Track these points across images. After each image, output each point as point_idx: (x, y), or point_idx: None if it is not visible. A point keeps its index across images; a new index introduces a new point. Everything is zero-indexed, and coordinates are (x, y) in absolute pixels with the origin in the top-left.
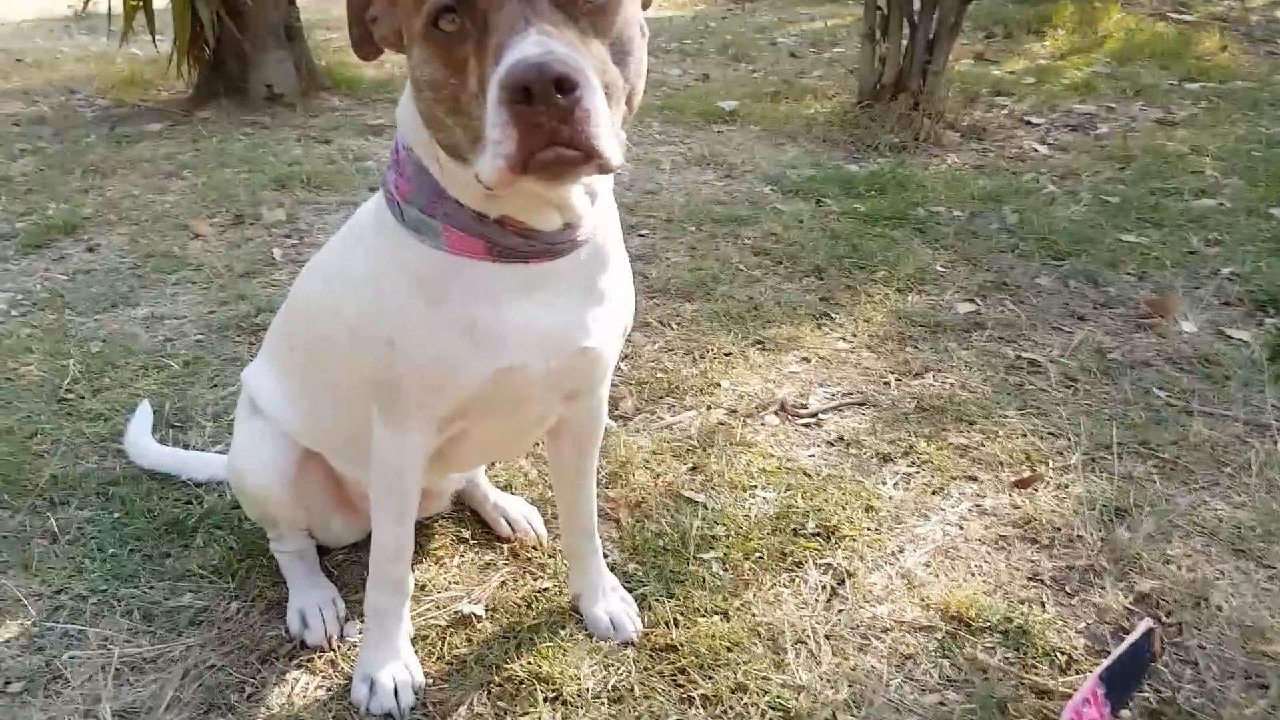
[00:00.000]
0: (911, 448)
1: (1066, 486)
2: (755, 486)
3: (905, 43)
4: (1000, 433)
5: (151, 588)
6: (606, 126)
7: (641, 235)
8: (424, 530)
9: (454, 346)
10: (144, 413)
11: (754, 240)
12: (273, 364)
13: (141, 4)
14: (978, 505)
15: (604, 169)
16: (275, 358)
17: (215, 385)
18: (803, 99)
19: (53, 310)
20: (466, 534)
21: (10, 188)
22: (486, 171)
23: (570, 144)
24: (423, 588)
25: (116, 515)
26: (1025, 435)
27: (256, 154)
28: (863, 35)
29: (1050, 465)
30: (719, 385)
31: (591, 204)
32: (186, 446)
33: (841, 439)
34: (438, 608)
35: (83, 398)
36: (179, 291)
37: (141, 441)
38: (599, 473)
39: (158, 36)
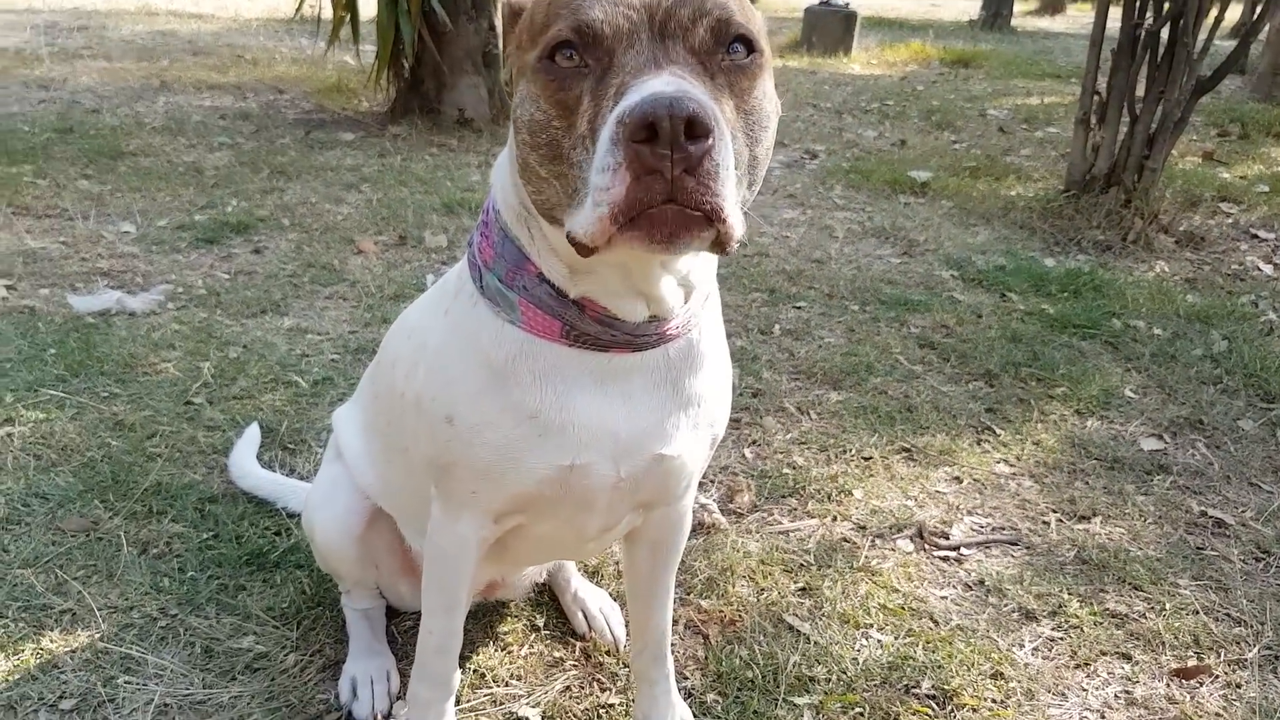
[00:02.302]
0: (1061, 607)
1: (1238, 687)
2: (870, 625)
3: (1123, 133)
4: (1168, 605)
5: (219, 622)
6: (733, 190)
7: (798, 308)
8: (496, 610)
9: (514, 434)
10: (252, 434)
11: (922, 330)
12: (358, 411)
13: (348, 15)
14: (1127, 692)
15: (723, 242)
16: (361, 405)
17: (334, 410)
18: (1005, 178)
19: (205, 309)
20: (540, 622)
21: (200, 179)
22: (582, 223)
23: (690, 202)
24: (482, 675)
25: (205, 536)
26: (1198, 613)
27: (435, 176)
28: (1077, 120)
29: (1222, 656)
30: (851, 494)
31: (685, 298)
32: (292, 471)
33: (982, 583)
34: (493, 703)
35: (209, 404)
36: (328, 306)
37: (245, 463)
38: (694, 575)
39: (362, 47)
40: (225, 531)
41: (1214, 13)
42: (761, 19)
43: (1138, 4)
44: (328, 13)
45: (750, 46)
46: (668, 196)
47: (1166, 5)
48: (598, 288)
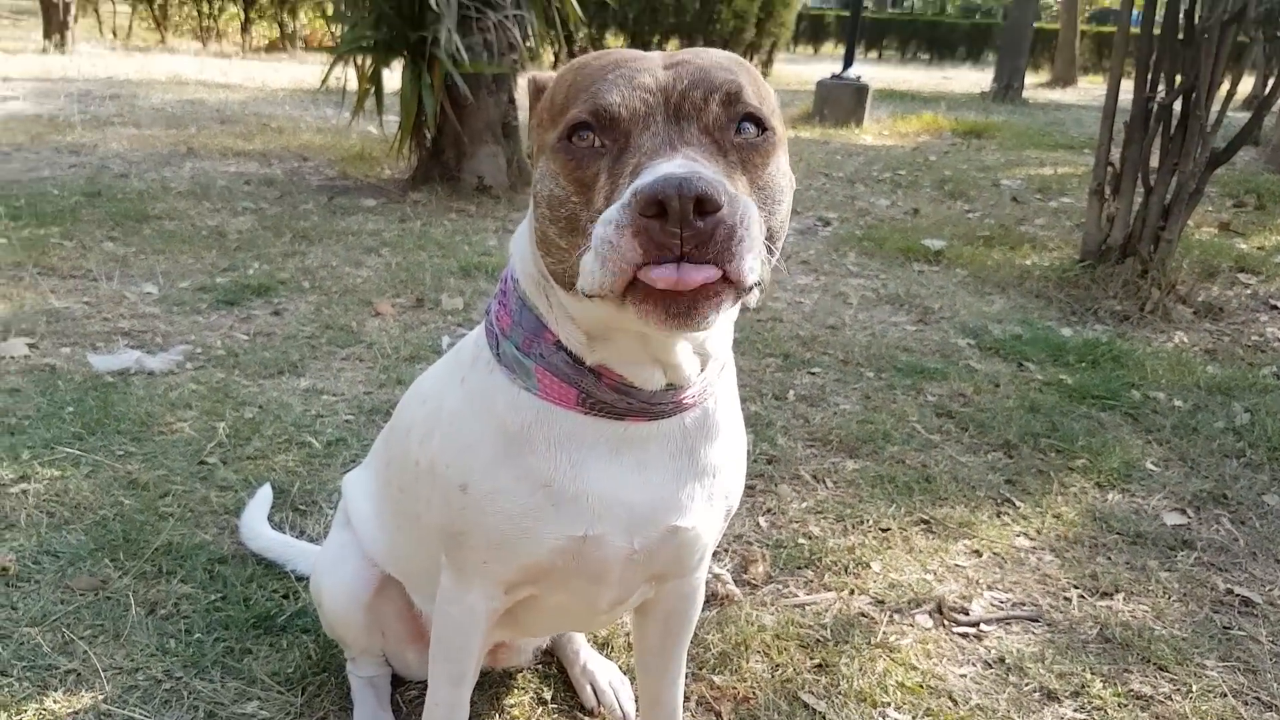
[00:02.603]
0: (1084, 687)
1: None
2: (888, 704)
3: (1138, 203)
4: (1195, 687)
5: (224, 686)
6: (751, 247)
7: (812, 374)
8: (503, 682)
9: (528, 503)
10: (264, 495)
11: (939, 399)
12: (369, 476)
13: (373, 87)
14: None
15: (738, 286)
16: (373, 471)
17: (347, 472)
18: (1020, 247)
19: (223, 369)
20: (548, 695)
21: (224, 243)
22: (590, 276)
23: (700, 257)
24: None
25: (214, 598)
26: (1225, 695)
27: (454, 240)
28: (1091, 190)
29: None
30: (869, 566)
31: (701, 367)
32: (302, 533)
33: (1002, 660)
34: None
35: (223, 464)
36: (345, 367)
37: (255, 524)
38: (707, 649)
39: (385, 118)
40: (233, 593)
41: (1225, 85)
42: (774, 98)
43: (1149, 77)
44: (353, 84)
45: (761, 125)
46: (677, 255)
47: (1179, 78)
48: (615, 355)
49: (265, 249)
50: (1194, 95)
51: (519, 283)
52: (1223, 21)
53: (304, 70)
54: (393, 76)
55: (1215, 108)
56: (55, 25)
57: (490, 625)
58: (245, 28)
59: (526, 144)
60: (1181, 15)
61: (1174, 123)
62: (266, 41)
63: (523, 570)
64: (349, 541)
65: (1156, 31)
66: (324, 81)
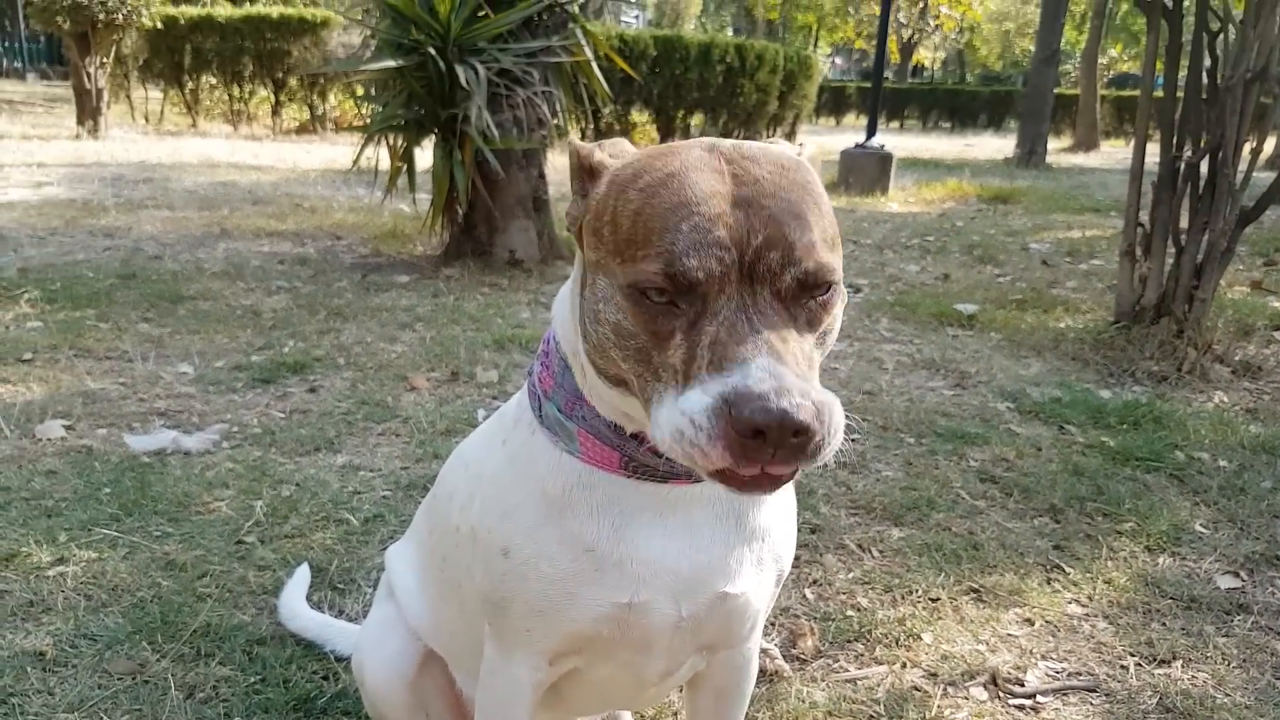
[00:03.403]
0: None
1: None
2: None
3: (1169, 264)
4: None
5: None
6: (835, 442)
7: (852, 440)
8: None
9: (571, 568)
10: (302, 574)
11: (981, 464)
12: (412, 547)
13: (405, 165)
14: None
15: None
16: (415, 542)
17: (385, 548)
18: (1053, 310)
19: (259, 448)
20: None
21: (258, 322)
22: (665, 445)
23: (789, 461)
24: None
25: (253, 680)
26: None
27: (487, 314)
28: (1122, 252)
29: None
30: (920, 638)
31: None
32: (341, 613)
33: None
34: None
35: (260, 543)
36: (381, 443)
37: (294, 604)
38: None
39: (418, 195)
40: (273, 675)
41: (1250, 144)
42: (836, 229)
43: (1175, 137)
44: (384, 163)
45: (831, 284)
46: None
47: (1204, 138)
48: None
49: (300, 327)
50: (1220, 154)
51: (560, 345)
52: (1245, 80)
53: (335, 151)
54: (424, 154)
55: (1242, 166)
56: (88, 112)
57: (536, 699)
58: (275, 110)
59: (559, 217)
60: (1205, 75)
61: (1201, 182)
62: (297, 124)
63: (567, 639)
64: (392, 615)
65: (1180, 93)
66: (355, 161)
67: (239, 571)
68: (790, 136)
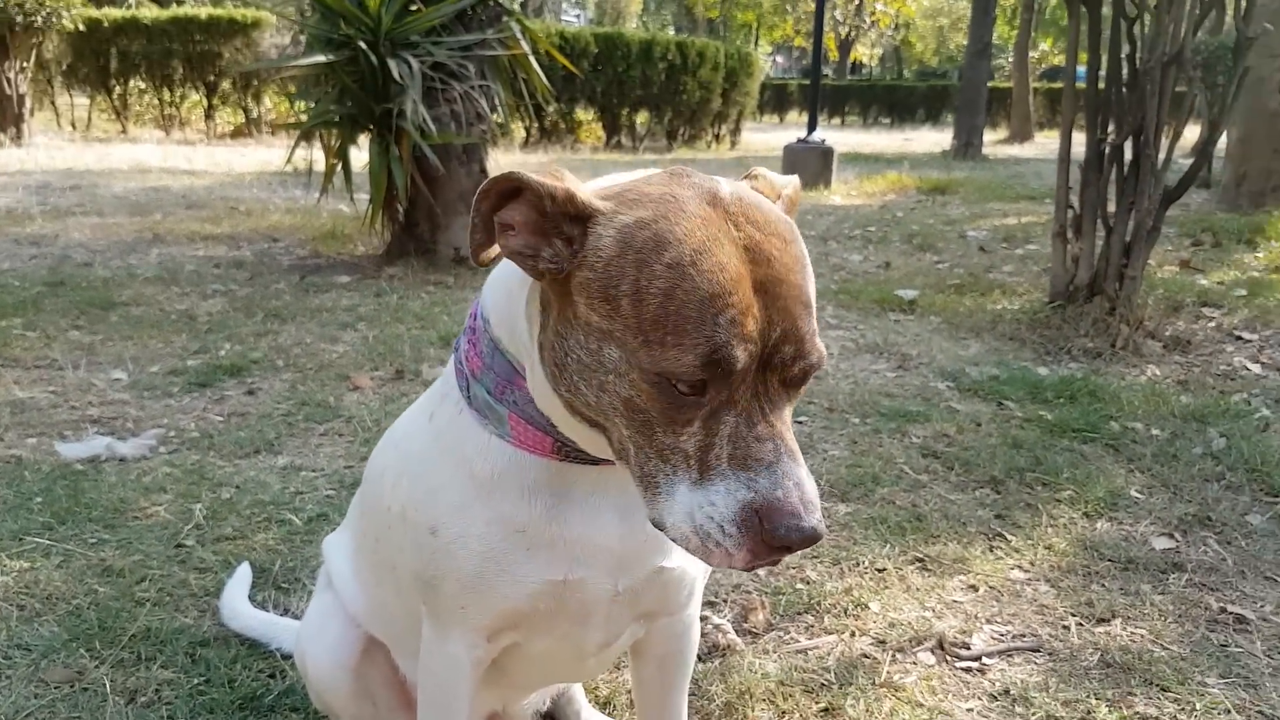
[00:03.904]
0: (1090, 713)
1: None
2: None
3: (1100, 244)
4: (1198, 705)
5: None
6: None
7: (799, 423)
8: None
9: (501, 547)
10: (243, 573)
11: (923, 440)
12: (349, 535)
13: (340, 162)
14: None
15: None
16: (350, 527)
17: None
18: (990, 294)
19: (197, 452)
20: None
21: (194, 326)
22: (686, 533)
23: None
24: None
25: (197, 681)
26: (1229, 711)
27: (432, 312)
28: (1054, 234)
29: None
30: (868, 608)
31: None
32: (286, 611)
33: (1007, 692)
34: None
35: (200, 545)
36: (323, 443)
37: (236, 603)
38: (711, 700)
39: (356, 194)
40: (217, 676)
41: (1169, 130)
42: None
43: (1100, 121)
44: (320, 163)
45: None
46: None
47: (1127, 121)
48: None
49: (236, 329)
50: (1142, 136)
51: (490, 325)
52: (1163, 64)
53: (270, 154)
54: (361, 153)
55: (1164, 145)
56: (10, 118)
57: (476, 676)
58: (209, 114)
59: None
60: (1124, 61)
61: (1126, 164)
62: (232, 128)
63: (502, 615)
64: (331, 604)
65: (1102, 80)
66: (289, 159)
67: (179, 575)
68: (735, 134)
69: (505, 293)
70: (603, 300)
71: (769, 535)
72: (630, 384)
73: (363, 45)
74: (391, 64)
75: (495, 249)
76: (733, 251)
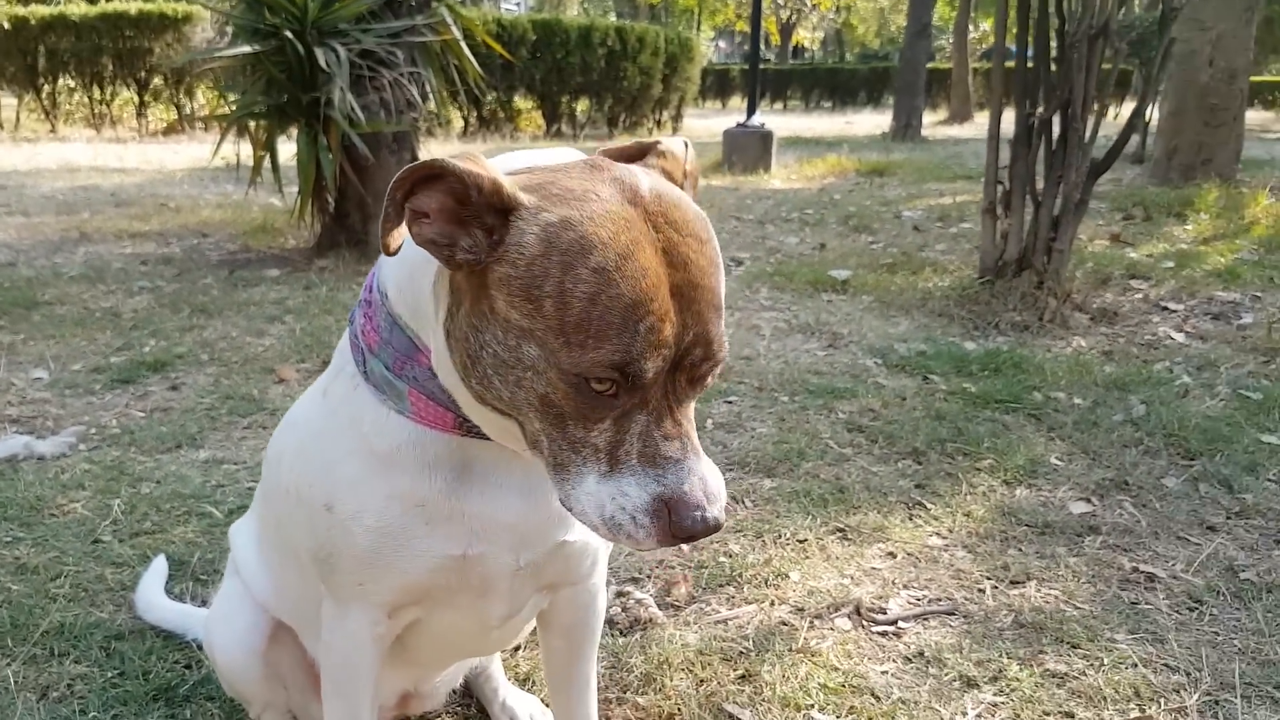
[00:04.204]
0: (1001, 671)
1: None
2: (812, 706)
3: (1029, 219)
4: (1107, 661)
5: None
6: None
7: (729, 402)
8: None
9: (399, 522)
10: (159, 566)
11: (849, 415)
12: (253, 520)
13: (267, 154)
14: None
15: None
16: (255, 513)
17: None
18: (921, 271)
19: (118, 448)
20: None
21: (118, 323)
22: (596, 522)
23: None
24: None
25: (111, 674)
26: (1136, 666)
27: None
28: (983, 210)
29: (1163, 705)
30: (788, 577)
31: None
32: (204, 602)
33: (922, 654)
34: None
35: (118, 541)
36: (247, 436)
37: (150, 595)
38: (630, 671)
39: (286, 187)
40: (132, 668)
41: (1097, 106)
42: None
43: (1028, 96)
44: (249, 157)
45: None
46: None
47: (1054, 96)
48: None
49: (161, 325)
50: (1070, 110)
51: (389, 299)
52: (1090, 36)
53: (203, 150)
54: (292, 145)
55: (1091, 120)
56: None
57: (379, 653)
58: (141, 112)
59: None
60: (1053, 35)
61: (1055, 138)
62: (164, 125)
63: (402, 591)
64: (238, 589)
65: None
66: (215, 153)
67: (95, 570)
68: (676, 120)
69: (408, 270)
70: (525, 299)
71: (675, 526)
72: (548, 381)
73: (289, 34)
74: (319, 52)
75: (402, 236)
76: (653, 255)
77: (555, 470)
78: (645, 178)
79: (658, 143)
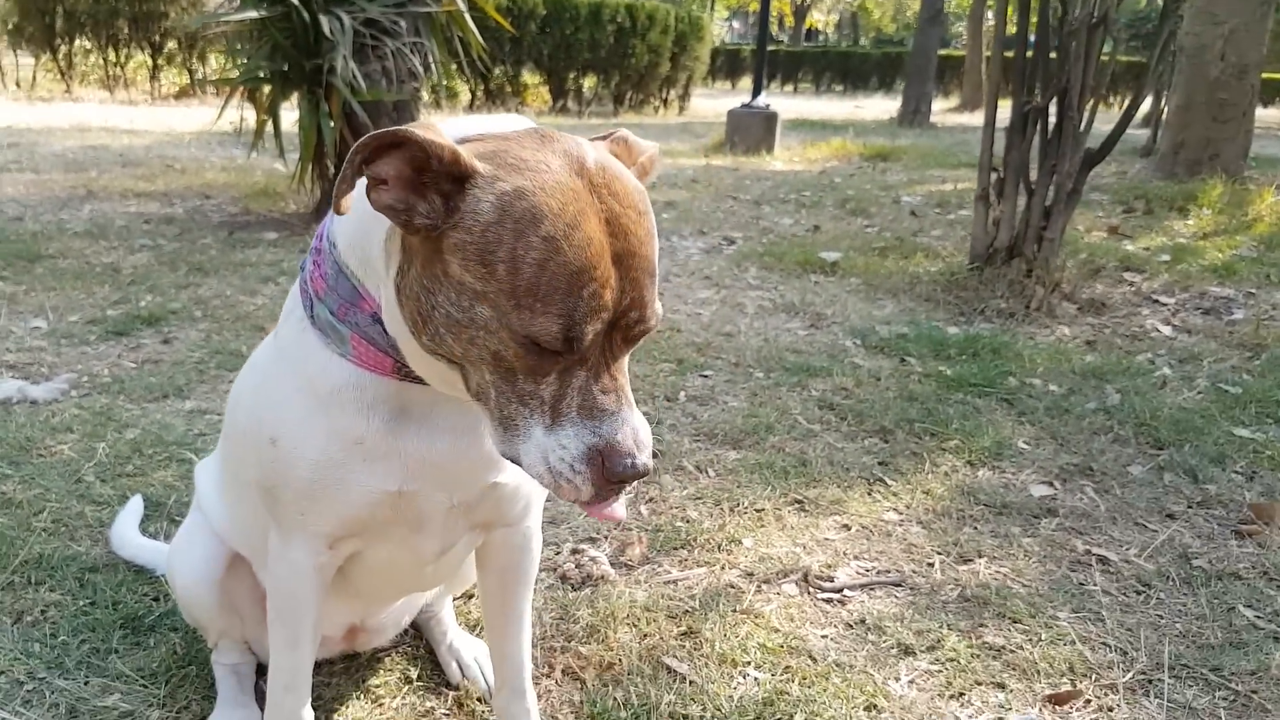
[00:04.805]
0: (939, 641)
1: (1110, 710)
2: (749, 664)
3: (1022, 206)
4: (1045, 636)
5: (87, 683)
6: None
7: (704, 376)
8: (369, 664)
9: (339, 457)
10: (135, 505)
11: (821, 393)
12: (217, 456)
13: (270, 119)
14: (1000, 719)
15: None
16: (218, 450)
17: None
18: (912, 256)
19: (107, 395)
20: (414, 674)
21: (117, 278)
22: (540, 470)
23: None
24: None
25: (83, 603)
26: (1074, 643)
27: None
28: (976, 196)
29: (1095, 681)
30: (740, 543)
31: None
32: None
33: (863, 622)
34: None
35: (100, 481)
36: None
37: (125, 532)
38: (576, 623)
39: (288, 153)
40: (102, 598)
41: (1095, 91)
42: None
43: (1025, 83)
44: (254, 122)
45: None
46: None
47: (1051, 85)
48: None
49: (159, 282)
50: (1066, 99)
51: (338, 249)
52: (1089, 25)
53: (213, 114)
54: (294, 110)
55: (1087, 109)
56: None
57: (321, 582)
58: (154, 75)
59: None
60: (1056, 24)
61: (1050, 127)
62: (177, 88)
63: (341, 523)
64: (199, 522)
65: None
66: (219, 116)
67: (76, 507)
68: (684, 99)
69: (358, 224)
70: (479, 264)
71: (609, 472)
72: (499, 340)
73: (295, 1)
74: (323, 19)
75: (354, 198)
76: (597, 225)
77: (502, 424)
78: (591, 151)
79: (616, 130)
